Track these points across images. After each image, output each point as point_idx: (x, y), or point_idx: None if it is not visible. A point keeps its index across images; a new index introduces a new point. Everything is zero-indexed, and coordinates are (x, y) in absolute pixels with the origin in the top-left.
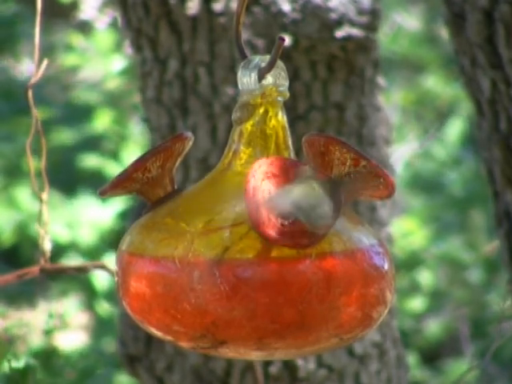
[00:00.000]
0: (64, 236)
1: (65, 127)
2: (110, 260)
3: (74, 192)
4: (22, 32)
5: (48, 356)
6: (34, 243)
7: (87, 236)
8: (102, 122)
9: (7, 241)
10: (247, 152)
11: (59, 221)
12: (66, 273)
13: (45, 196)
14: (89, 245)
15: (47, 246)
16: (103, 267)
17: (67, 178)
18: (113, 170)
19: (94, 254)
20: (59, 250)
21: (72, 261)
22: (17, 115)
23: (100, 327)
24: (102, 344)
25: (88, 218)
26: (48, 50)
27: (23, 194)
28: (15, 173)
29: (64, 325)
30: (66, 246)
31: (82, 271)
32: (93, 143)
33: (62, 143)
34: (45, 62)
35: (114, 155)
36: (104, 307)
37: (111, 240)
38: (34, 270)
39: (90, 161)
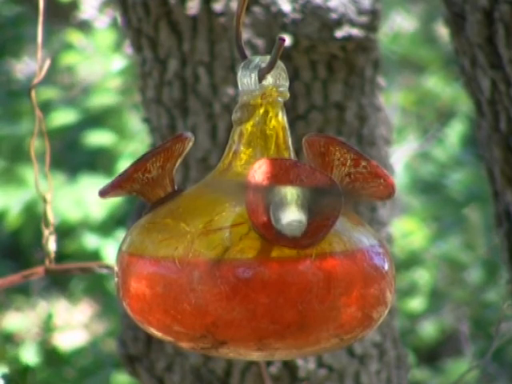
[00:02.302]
0: (73, 214)
1: (67, 106)
2: (121, 236)
3: (81, 170)
4: (24, 33)
5: (48, 355)
6: (38, 225)
7: (97, 213)
8: (104, 97)
9: (13, 222)
10: (247, 152)
11: (68, 199)
12: (70, 273)
13: (49, 196)
14: (99, 221)
15: (52, 247)
16: (108, 267)
17: (73, 157)
18: (118, 146)
19: (104, 230)
20: (69, 229)
21: (83, 238)
22: (17, 103)
23: (107, 306)
24: (103, 339)
25: (97, 195)
26: (50, 51)
27: (29, 175)
28: (19, 155)
29: (64, 324)
30: (76, 224)
31: (86, 271)
32: (96, 119)
33: (66, 122)
34: (47, 62)
35: (119, 130)
36: (111, 287)
37: (120, 217)
38: (39, 270)
39: (95, 138)
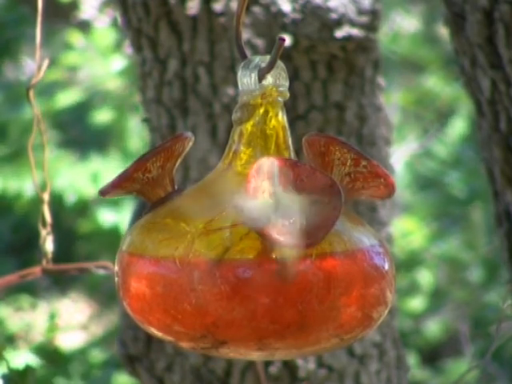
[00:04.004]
0: (89, 189)
1: (72, 87)
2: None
3: (92, 148)
4: (25, 33)
5: (49, 356)
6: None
7: None
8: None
9: (26, 205)
10: (247, 152)
11: (83, 175)
12: (68, 273)
13: (46, 196)
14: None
15: (49, 247)
16: (105, 267)
17: (85, 135)
18: (127, 123)
19: (120, 205)
20: (86, 206)
21: (100, 215)
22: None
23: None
24: (104, 339)
25: (110, 170)
26: (50, 51)
27: (40, 158)
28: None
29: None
30: (93, 201)
31: (84, 271)
32: (102, 99)
33: (72, 102)
34: (46, 62)
35: (124, 110)
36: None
37: None
38: (36, 270)
39: (102, 116)
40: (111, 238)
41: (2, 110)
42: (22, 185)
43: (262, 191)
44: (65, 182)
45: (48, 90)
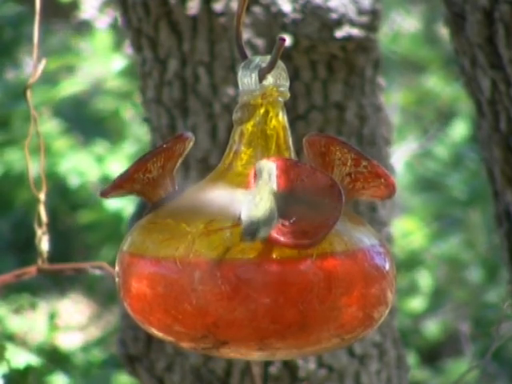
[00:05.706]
0: (94, 171)
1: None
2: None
3: (97, 133)
4: (26, 33)
5: (49, 355)
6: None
7: (116, 172)
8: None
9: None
10: (248, 152)
11: (87, 158)
12: (63, 273)
13: (42, 196)
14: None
15: (45, 247)
16: (102, 268)
17: (88, 120)
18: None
19: None
20: (88, 189)
21: (104, 200)
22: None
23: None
24: (104, 339)
25: (113, 155)
26: (50, 51)
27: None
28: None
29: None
30: (96, 185)
31: (80, 271)
32: (105, 86)
33: (77, 89)
34: (43, 62)
35: (128, 96)
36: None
37: None
38: (32, 270)
39: (106, 103)
40: (114, 224)
41: (3, 103)
42: (25, 168)
43: (262, 192)
44: (68, 166)
45: (51, 78)
